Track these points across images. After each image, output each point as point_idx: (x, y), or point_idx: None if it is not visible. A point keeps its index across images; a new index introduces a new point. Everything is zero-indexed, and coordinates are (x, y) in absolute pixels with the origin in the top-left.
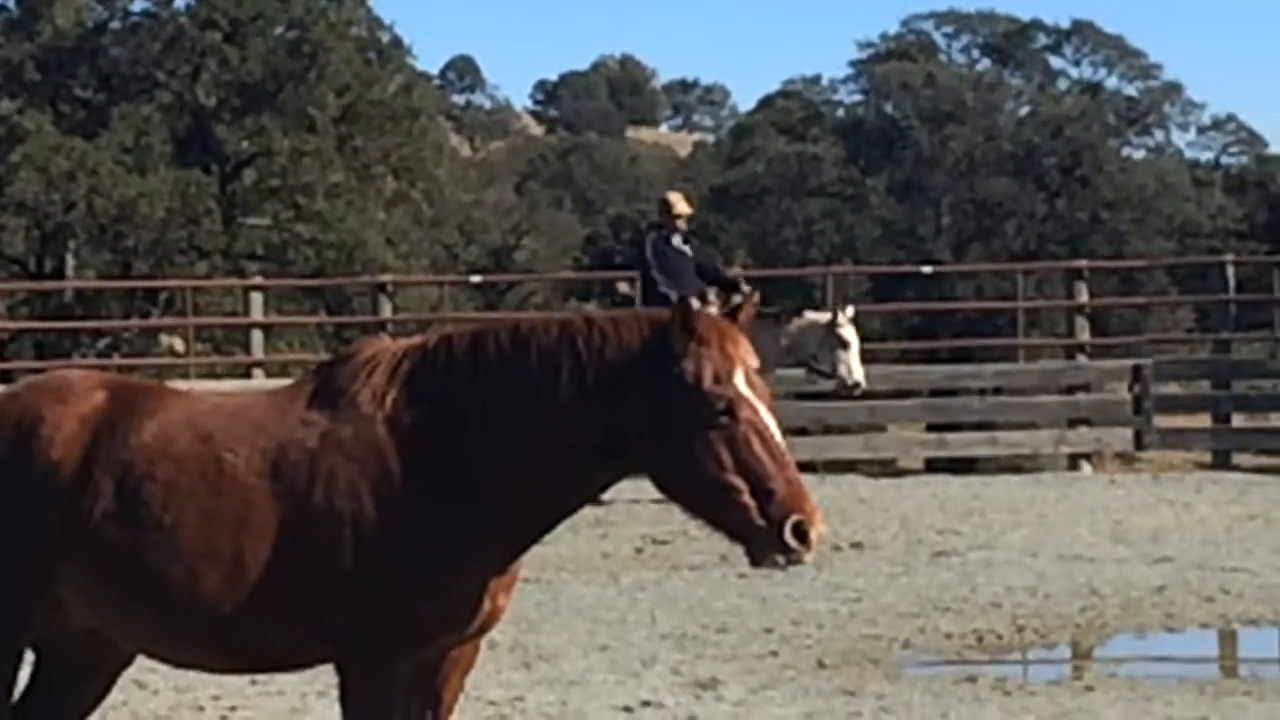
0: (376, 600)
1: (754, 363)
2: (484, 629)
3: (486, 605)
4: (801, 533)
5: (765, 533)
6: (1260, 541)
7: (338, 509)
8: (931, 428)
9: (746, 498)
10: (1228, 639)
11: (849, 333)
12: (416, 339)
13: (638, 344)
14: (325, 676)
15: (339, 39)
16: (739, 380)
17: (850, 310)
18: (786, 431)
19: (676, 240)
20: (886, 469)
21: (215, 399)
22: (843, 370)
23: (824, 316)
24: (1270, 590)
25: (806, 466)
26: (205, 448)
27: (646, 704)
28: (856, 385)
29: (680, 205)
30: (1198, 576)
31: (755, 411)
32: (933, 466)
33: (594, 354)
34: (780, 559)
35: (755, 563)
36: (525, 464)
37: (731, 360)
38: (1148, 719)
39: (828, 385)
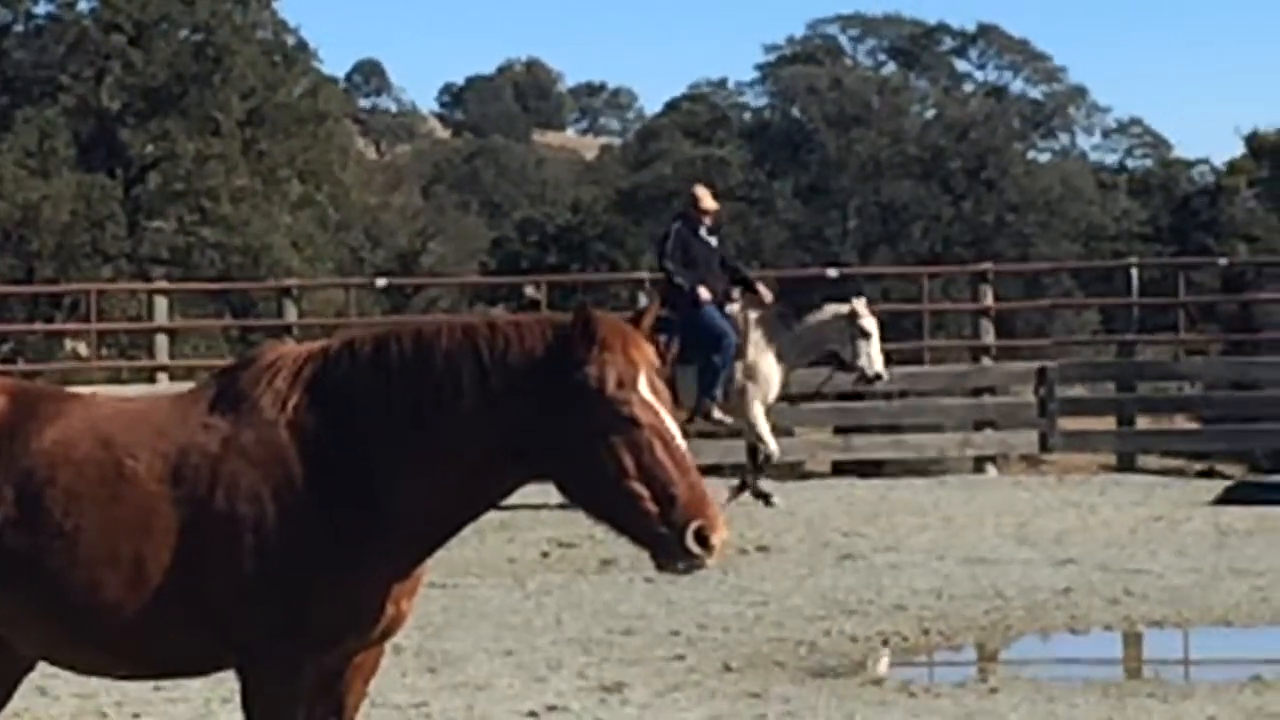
0: (278, 605)
1: (657, 366)
2: (387, 634)
3: (390, 610)
4: (703, 538)
5: (668, 538)
6: (1164, 543)
7: (239, 514)
8: (838, 430)
9: (649, 503)
10: (1132, 640)
11: (870, 323)
12: (319, 343)
13: (541, 348)
14: (230, 682)
15: (244, 42)
16: (642, 385)
17: (863, 299)
18: (693, 434)
19: (702, 232)
20: (793, 471)
21: (117, 404)
22: (863, 361)
23: (844, 308)
24: (1174, 592)
25: (713, 470)
26: (106, 453)
27: (552, 708)
28: (878, 377)
29: (707, 200)
30: (1102, 578)
31: (658, 417)
32: (839, 469)
33: (497, 358)
34: (681, 564)
35: (660, 567)
36: (428, 469)
37: (635, 365)
38: None
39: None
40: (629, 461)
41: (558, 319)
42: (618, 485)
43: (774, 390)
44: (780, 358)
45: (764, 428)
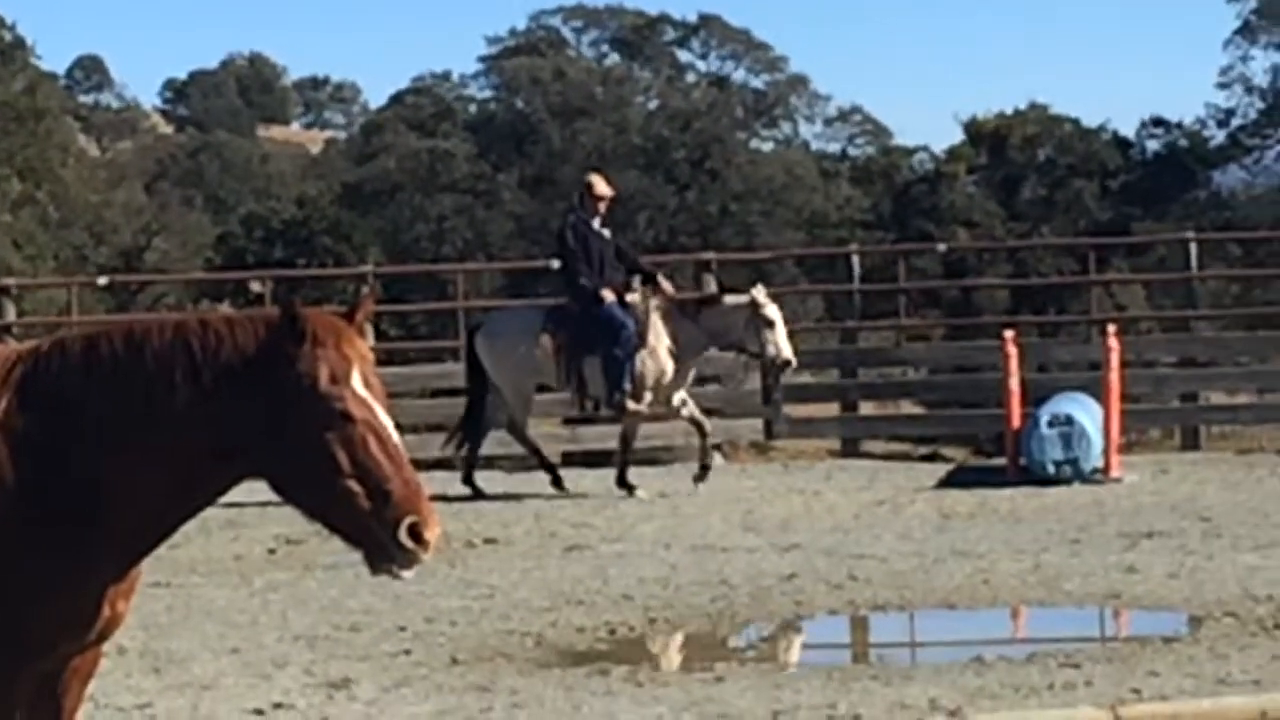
0: None
1: (371, 362)
2: (104, 636)
3: (105, 612)
4: (417, 534)
5: (381, 535)
6: (887, 527)
7: None
8: (566, 421)
9: (363, 500)
10: (856, 625)
11: (772, 311)
12: (29, 344)
13: (253, 345)
14: None
15: None
16: (355, 381)
17: (762, 288)
18: (422, 428)
19: (596, 223)
20: (523, 463)
21: None
22: (770, 350)
23: (744, 298)
24: (897, 576)
25: (443, 463)
26: None
27: (278, 706)
28: (786, 363)
29: (601, 187)
30: (826, 563)
31: (372, 412)
32: (568, 460)
33: (209, 356)
34: (394, 563)
35: (372, 568)
36: (141, 469)
37: (348, 360)
38: (777, 705)
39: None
40: (342, 458)
41: (271, 315)
42: (331, 482)
43: (667, 379)
44: (678, 348)
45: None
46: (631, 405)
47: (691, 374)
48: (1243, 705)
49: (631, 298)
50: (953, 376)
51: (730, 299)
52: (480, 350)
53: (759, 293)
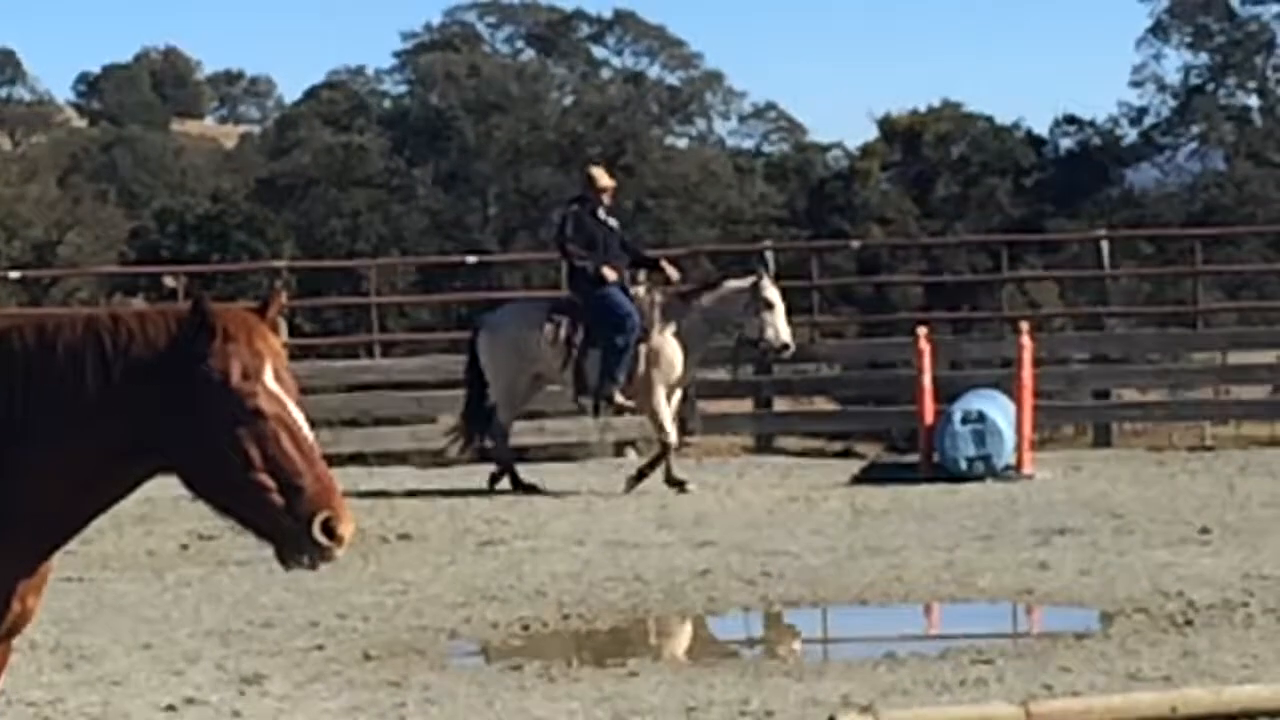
0: None
1: (284, 357)
2: (13, 632)
3: (16, 607)
4: (330, 529)
5: (294, 530)
6: (801, 523)
7: None
8: None
9: (275, 495)
10: (769, 620)
11: (773, 294)
12: None
13: (164, 341)
14: None
15: None
16: (267, 376)
17: (765, 270)
18: (336, 424)
19: (601, 214)
20: (437, 459)
21: None
22: (769, 333)
23: (745, 282)
24: (810, 572)
25: (357, 458)
26: None
27: (190, 701)
28: (785, 347)
29: (604, 179)
30: (739, 560)
31: (284, 408)
32: (483, 456)
33: (120, 351)
34: (306, 558)
35: (284, 563)
36: (52, 463)
37: (260, 356)
38: (690, 701)
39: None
40: (254, 453)
41: (183, 310)
42: (243, 477)
43: (676, 374)
44: (682, 339)
45: (665, 415)
46: (619, 399)
47: (697, 363)
48: (1153, 701)
49: (636, 290)
50: (866, 373)
51: (732, 283)
52: (481, 346)
53: (764, 276)
